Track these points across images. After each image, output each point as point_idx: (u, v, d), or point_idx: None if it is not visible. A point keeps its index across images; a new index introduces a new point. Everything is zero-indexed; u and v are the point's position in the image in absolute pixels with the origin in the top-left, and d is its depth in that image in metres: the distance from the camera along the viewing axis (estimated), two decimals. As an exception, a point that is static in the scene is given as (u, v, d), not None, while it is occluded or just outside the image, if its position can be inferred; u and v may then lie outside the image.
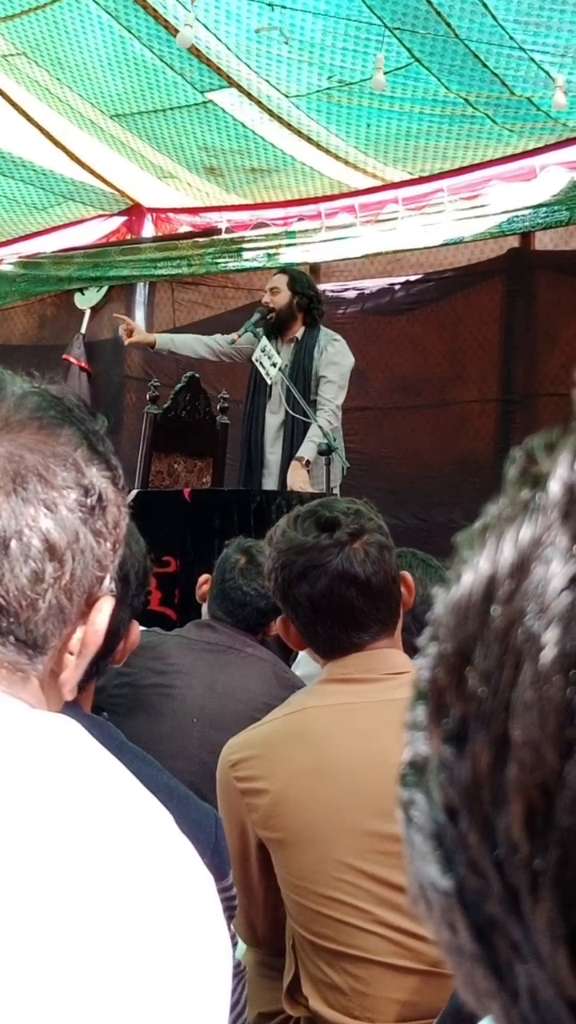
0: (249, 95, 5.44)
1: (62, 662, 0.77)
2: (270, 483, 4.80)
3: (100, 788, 0.69)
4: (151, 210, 7.14)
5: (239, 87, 5.40)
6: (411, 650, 2.09)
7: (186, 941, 0.66)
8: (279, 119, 5.60)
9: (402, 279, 6.49)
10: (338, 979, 1.58)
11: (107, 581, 0.79)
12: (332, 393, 4.69)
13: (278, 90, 5.34)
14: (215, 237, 6.84)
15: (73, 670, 0.78)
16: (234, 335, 4.80)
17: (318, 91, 5.24)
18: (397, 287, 6.50)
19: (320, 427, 4.40)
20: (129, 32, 5.09)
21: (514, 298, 6.14)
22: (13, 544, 0.71)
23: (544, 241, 6.18)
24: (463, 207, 5.89)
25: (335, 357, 4.75)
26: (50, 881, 0.62)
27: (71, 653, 0.77)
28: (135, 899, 0.64)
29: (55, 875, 0.62)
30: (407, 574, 1.76)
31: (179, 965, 0.65)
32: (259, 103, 5.50)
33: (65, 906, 0.62)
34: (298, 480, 4.51)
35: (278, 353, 4.64)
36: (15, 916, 0.60)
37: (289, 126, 5.65)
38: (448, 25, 4.46)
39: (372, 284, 6.58)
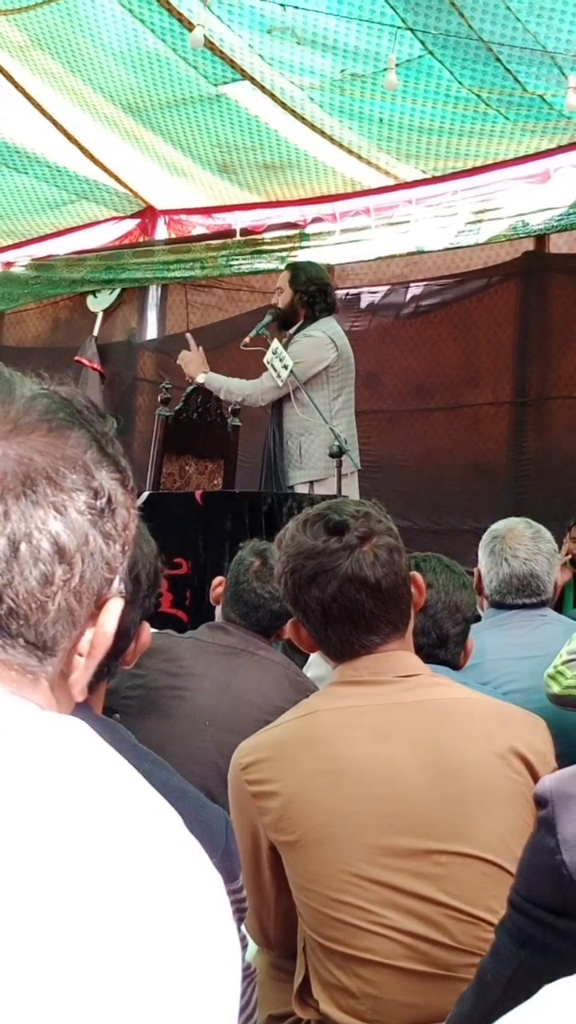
0: (263, 88, 5.45)
1: (72, 663, 0.77)
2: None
3: (109, 789, 0.69)
4: (164, 212, 7.16)
5: (252, 80, 5.40)
6: (425, 652, 2.08)
7: (195, 942, 0.66)
8: (292, 112, 5.60)
9: (416, 282, 6.48)
10: (348, 982, 1.57)
11: (116, 583, 0.79)
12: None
13: (291, 83, 5.34)
14: (228, 240, 6.85)
15: (83, 671, 0.78)
16: (246, 339, 4.78)
17: (331, 84, 5.24)
18: (411, 290, 6.49)
19: (332, 430, 4.39)
20: (142, 24, 5.11)
21: (528, 301, 6.12)
22: (23, 547, 0.72)
23: (559, 244, 6.16)
24: (477, 209, 5.88)
25: (298, 355, 4.60)
26: (58, 883, 0.62)
27: (80, 655, 0.77)
28: (143, 901, 0.64)
29: (63, 877, 0.62)
30: (417, 575, 1.76)
31: (188, 966, 0.64)
32: (272, 96, 5.51)
33: (72, 908, 0.61)
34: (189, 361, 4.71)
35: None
36: (21, 917, 0.60)
37: (302, 119, 5.65)
38: (461, 15, 4.46)
39: (386, 286, 6.57)
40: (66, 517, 0.73)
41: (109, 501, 0.76)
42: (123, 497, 0.78)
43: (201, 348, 4.90)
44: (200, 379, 4.76)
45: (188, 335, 4.97)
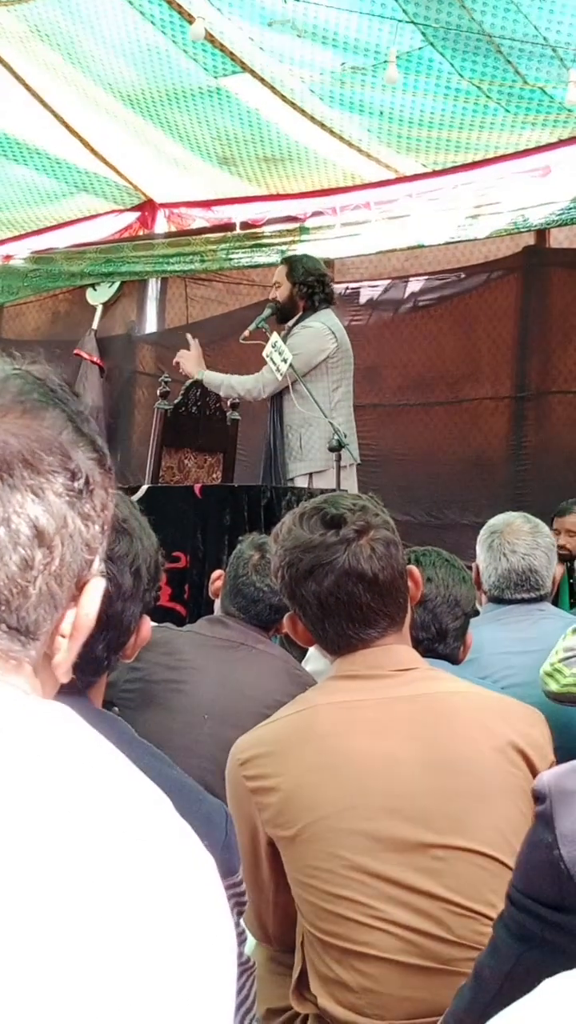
0: (263, 80, 5.44)
1: (54, 645, 0.77)
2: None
3: (95, 773, 0.69)
4: (164, 205, 7.15)
5: (252, 72, 5.40)
6: (424, 647, 2.08)
7: (188, 925, 0.65)
8: (292, 105, 5.59)
9: (416, 276, 6.48)
10: (346, 976, 1.58)
11: (96, 563, 0.78)
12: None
13: (291, 76, 5.34)
14: (228, 233, 6.84)
15: (66, 653, 0.78)
16: (245, 332, 4.77)
17: (332, 76, 5.23)
18: (411, 284, 6.49)
19: (331, 423, 4.39)
20: (142, 16, 5.10)
21: (529, 296, 6.12)
22: (1, 532, 0.71)
23: (559, 239, 6.16)
24: (478, 204, 5.88)
25: (297, 346, 4.61)
26: (46, 867, 0.61)
27: (63, 636, 0.77)
28: (133, 884, 0.64)
29: (51, 861, 0.62)
30: (414, 568, 1.75)
31: (180, 950, 0.64)
32: (272, 89, 5.50)
33: (60, 892, 0.61)
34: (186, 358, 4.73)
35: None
36: (5, 904, 0.60)
37: (302, 112, 5.64)
38: (463, 5, 4.45)
39: (386, 281, 6.56)
40: (44, 500, 0.72)
41: (87, 482, 0.75)
42: (100, 477, 0.77)
43: (197, 341, 4.90)
44: (198, 377, 4.75)
45: (189, 335, 4.96)
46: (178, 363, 4.88)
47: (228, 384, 4.75)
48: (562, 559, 4.24)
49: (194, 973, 0.64)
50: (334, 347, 4.72)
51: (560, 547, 4.56)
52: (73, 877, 0.62)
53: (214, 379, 4.76)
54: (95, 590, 0.78)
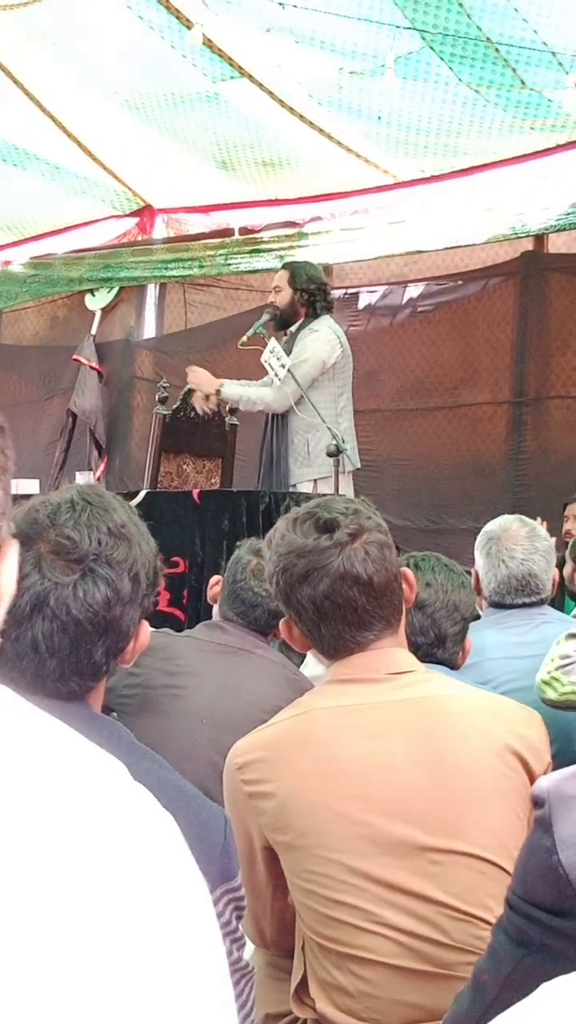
0: (261, 85, 5.45)
1: None
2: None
3: (32, 744, 0.67)
4: (163, 211, 7.15)
5: (251, 77, 5.41)
6: (423, 651, 2.08)
7: (157, 890, 0.64)
8: (291, 110, 5.60)
9: (415, 281, 6.49)
10: (345, 981, 1.58)
11: (4, 528, 0.74)
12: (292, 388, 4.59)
13: (290, 81, 5.34)
14: (227, 239, 6.85)
15: None
16: (243, 337, 4.76)
17: (330, 81, 5.24)
18: (410, 289, 6.49)
19: (330, 428, 4.38)
20: (141, 21, 5.11)
21: (527, 301, 6.13)
22: None
23: (558, 244, 6.17)
24: (476, 208, 5.88)
25: (303, 351, 4.61)
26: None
27: None
28: (78, 855, 0.62)
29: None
30: (407, 570, 1.76)
31: (160, 933, 0.62)
32: (271, 94, 5.51)
33: (15, 879, 0.59)
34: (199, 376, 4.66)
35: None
36: None
37: (301, 117, 5.65)
38: (460, 6, 4.46)
39: (385, 286, 6.57)
40: None
41: None
42: None
43: (194, 367, 4.85)
44: (219, 396, 4.70)
45: (187, 369, 4.89)
46: (192, 389, 4.77)
47: (248, 398, 4.72)
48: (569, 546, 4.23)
49: (175, 926, 0.63)
50: (340, 352, 4.73)
51: (566, 533, 4.58)
52: (15, 849, 0.60)
53: (233, 392, 4.72)
54: (10, 556, 0.75)
